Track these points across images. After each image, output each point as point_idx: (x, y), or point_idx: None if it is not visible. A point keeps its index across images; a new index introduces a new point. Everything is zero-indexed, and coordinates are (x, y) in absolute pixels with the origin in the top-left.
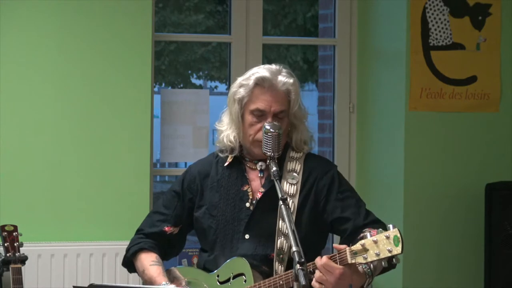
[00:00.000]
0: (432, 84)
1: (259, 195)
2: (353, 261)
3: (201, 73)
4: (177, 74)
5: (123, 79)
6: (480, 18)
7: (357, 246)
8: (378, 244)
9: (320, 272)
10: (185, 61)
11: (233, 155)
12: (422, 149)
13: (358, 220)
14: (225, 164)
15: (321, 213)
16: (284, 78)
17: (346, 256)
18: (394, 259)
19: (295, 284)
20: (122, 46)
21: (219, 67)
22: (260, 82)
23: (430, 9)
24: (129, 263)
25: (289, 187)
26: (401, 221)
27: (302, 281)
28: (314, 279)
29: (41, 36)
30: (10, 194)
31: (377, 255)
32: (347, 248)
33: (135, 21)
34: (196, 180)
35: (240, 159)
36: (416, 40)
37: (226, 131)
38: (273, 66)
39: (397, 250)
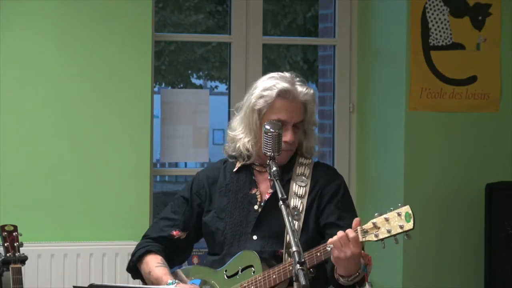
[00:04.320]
0: (432, 84)
1: (267, 196)
2: (363, 239)
3: (201, 73)
4: (177, 74)
5: (123, 79)
6: (480, 18)
7: (368, 225)
8: (389, 221)
9: (341, 242)
10: (185, 61)
11: (246, 162)
12: (422, 149)
13: None
14: (234, 170)
15: (319, 216)
16: (304, 89)
17: (358, 234)
18: (405, 236)
19: (295, 284)
20: (122, 46)
21: (219, 67)
22: (283, 94)
23: (430, 9)
24: (134, 268)
25: (298, 188)
26: None
27: (302, 281)
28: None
29: (41, 36)
30: (10, 194)
31: (389, 231)
32: (358, 227)
33: (135, 21)
34: (205, 186)
35: (248, 164)
36: (416, 40)
37: (243, 140)
38: (287, 74)
39: (409, 225)
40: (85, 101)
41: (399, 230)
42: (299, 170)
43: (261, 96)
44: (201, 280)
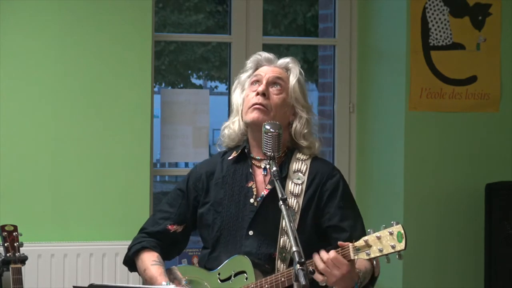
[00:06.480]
0: (432, 84)
1: (265, 192)
2: (355, 257)
3: (201, 73)
4: (177, 74)
5: (123, 79)
6: (480, 18)
7: (360, 243)
8: (381, 240)
9: (327, 265)
10: (185, 61)
11: (235, 145)
12: (422, 149)
13: (354, 234)
14: (229, 158)
15: (320, 216)
16: (284, 58)
17: (349, 252)
18: (397, 256)
19: (295, 284)
20: (122, 46)
21: (219, 67)
22: (259, 60)
23: (430, 9)
24: (130, 262)
25: (294, 187)
26: (401, 221)
27: (302, 281)
28: (317, 270)
29: (41, 36)
30: (10, 194)
31: (380, 251)
32: (350, 244)
33: (135, 21)
34: (202, 177)
35: (247, 155)
36: (416, 40)
37: (226, 124)
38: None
39: (401, 246)
40: (85, 101)
41: (391, 250)
42: (295, 166)
43: (242, 72)
44: (194, 280)
